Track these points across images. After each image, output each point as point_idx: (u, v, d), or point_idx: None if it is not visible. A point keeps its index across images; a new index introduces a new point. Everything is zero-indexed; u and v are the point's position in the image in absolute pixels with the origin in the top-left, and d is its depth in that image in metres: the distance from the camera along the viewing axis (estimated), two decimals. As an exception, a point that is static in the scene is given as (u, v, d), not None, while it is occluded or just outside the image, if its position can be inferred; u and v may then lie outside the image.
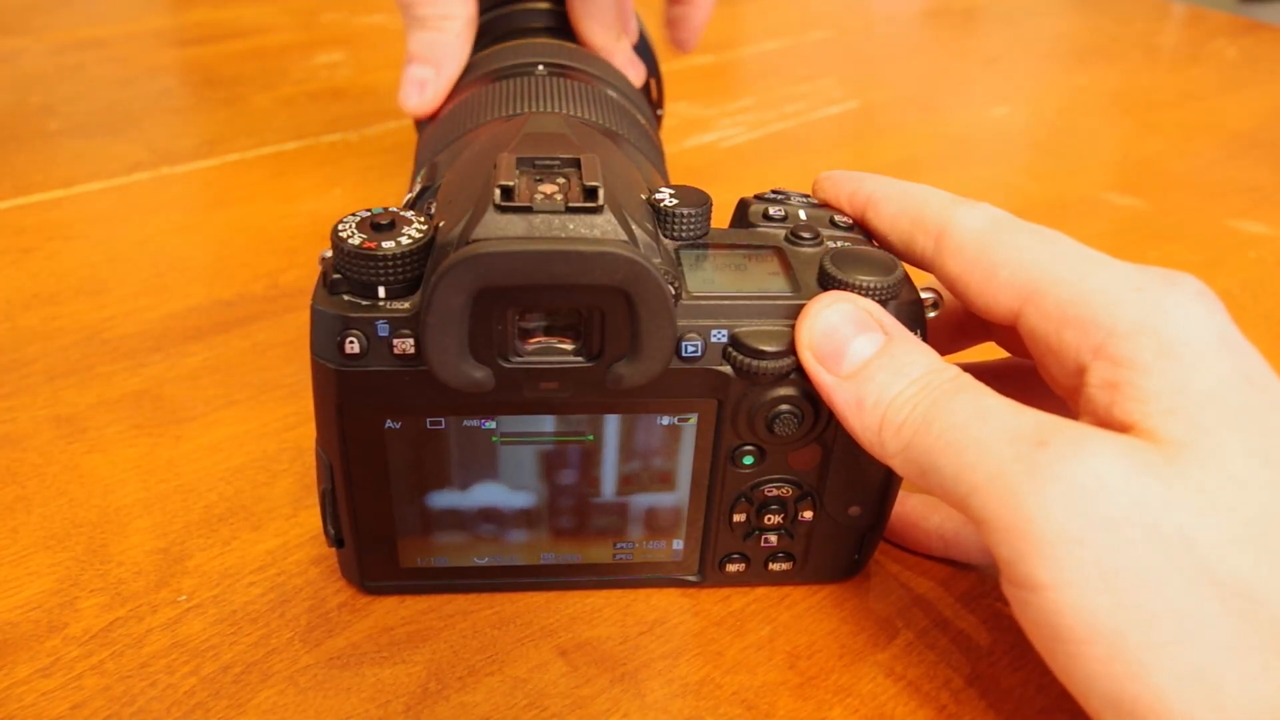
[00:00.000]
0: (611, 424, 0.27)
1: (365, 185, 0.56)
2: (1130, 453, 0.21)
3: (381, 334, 0.24)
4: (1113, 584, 0.21)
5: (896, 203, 0.28)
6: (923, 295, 0.27)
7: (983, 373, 0.26)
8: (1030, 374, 0.27)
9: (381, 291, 0.24)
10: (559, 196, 0.24)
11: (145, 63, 0.73)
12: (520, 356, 0.25)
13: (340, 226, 0.24)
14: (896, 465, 0.24)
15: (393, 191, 0.54)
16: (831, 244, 0.27)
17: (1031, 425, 0.22)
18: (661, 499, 0.28)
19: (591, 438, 0.27)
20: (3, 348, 0.41)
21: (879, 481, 0.29)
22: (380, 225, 0.24)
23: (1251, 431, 0.22)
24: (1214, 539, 0.21)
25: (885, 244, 0.28)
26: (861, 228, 0.29)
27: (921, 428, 0.24)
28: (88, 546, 0.31)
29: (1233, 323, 0.23)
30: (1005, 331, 0.29)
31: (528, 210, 0.23)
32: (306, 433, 0.36)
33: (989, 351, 0.31)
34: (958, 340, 0.32)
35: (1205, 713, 0.20)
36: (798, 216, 0.29)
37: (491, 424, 0.26)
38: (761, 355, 0.25)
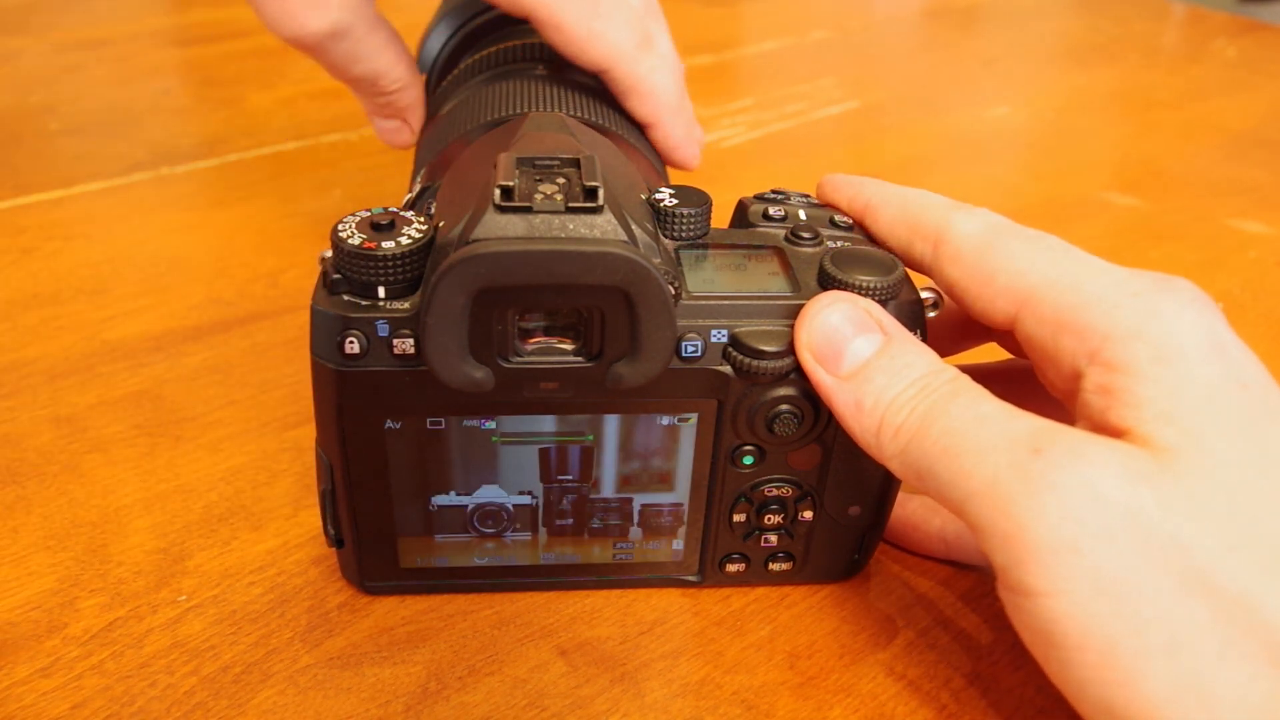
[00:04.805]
0: (611, 424, 0.27)
1: (365, 185, 0.56)
2: (1124, 460, 0.21)
3: (381, 334, 0.24)
4: (1106, 591, 0.21)
5: (895, 208, 0.28)
6: (922, 295, 0.27)
7: (983, 374, 0.26)
8: (1030, 375, 0.27)
9: (381, 291, 0.24)
10: (559, 196, 0.24)
11: (145, 63, 0.73)
12: (520, 356, 0.25)
13: (340, 226, 0.24)
14: (894, 468, 0.24)
15: (393, 191, 0.54)
16: (831, 244, 0.27)
17: (1027, 432, 0.22)
18: (661, 499, 0.28)
19: (591, 438, 0.27)
20: (3, 348, 0.41)
21: (879, 482, 0.29)
22: (380, 225, 0.24)
23: (1244, 436, 0.22)
24: (1206, 546, 0.21)
25: (885, 248, 0.28)
26: (861, 228, 0.29)
27: (919, 431, 0.24)
28: (88, 546, 0.31)
29: (1228, 326, 0.23)
30: (1005, 334, 0.29)
31: (528, 210, 0.23)
32: (306, 433, 0.36)
33: (990, 353, 0.31)
34: (960, 341, 0.32)
35: (1197, 719, 0.20)
36: (797, 216, 0.29)
37: (491, 424, 0.26)
38: (761, 355, 0.25)
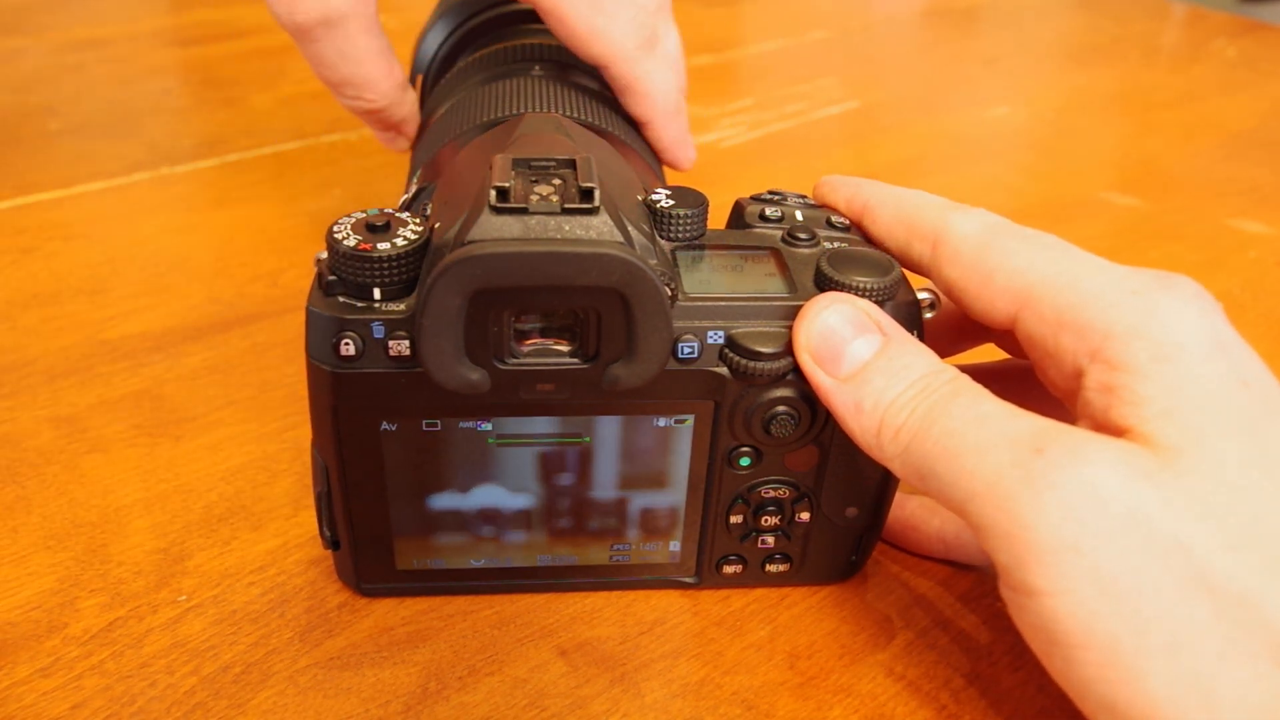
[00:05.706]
0: (608, 426, 0.27)
1: (365, 185, 0.56)
2: (1126, 459, 0.21)
3: (377, 336, 0.24)
4: (1108, 591, 0.21)
5: (892, 209, 0.28)
6: (920, 296, 0.27)
7: (982, 374, 0.26)
8: (1029, 375, 0.27)
9: (377, 293, 0.24)
10: (555, 197, 0.24)
11: (145, 63, 0.74)
12: (516, 358, 0.25)
13: (336, 228, 0.24)
14: (895, 468, 0.24)
15: (392, 191, 0.54)
16: (828, 245, 0.27)
17: (1028, 431, 0.22)
18: (658, 500, 0.29)
19: (588, 439, 0.27)
20: (3, 348, 0.41)
21: (876, 483, 0.29)
22: (376, 227, 0.24)
23: (1246, 435, 0.22)
24: (1208, 545, 0.21)
25: (883, 249, 0.28)
26: (858, 229, 0.29)
27: (920, 432, 0.24)
28: (88, 546, 0.31)
29: (1229, 324, 0.23)
30: (1004, 334, 0.29)
31: (523, 211, 0.23)
32: (306, 433, 0.36)
33: (988, 353, 0.31)
34: (957, 342, 0.32)
35: (1199, 718, 0.20)
36: (794, 217, 0.29)
37: (487, 426, 0.26)
38: (758, 356, 0.25)
